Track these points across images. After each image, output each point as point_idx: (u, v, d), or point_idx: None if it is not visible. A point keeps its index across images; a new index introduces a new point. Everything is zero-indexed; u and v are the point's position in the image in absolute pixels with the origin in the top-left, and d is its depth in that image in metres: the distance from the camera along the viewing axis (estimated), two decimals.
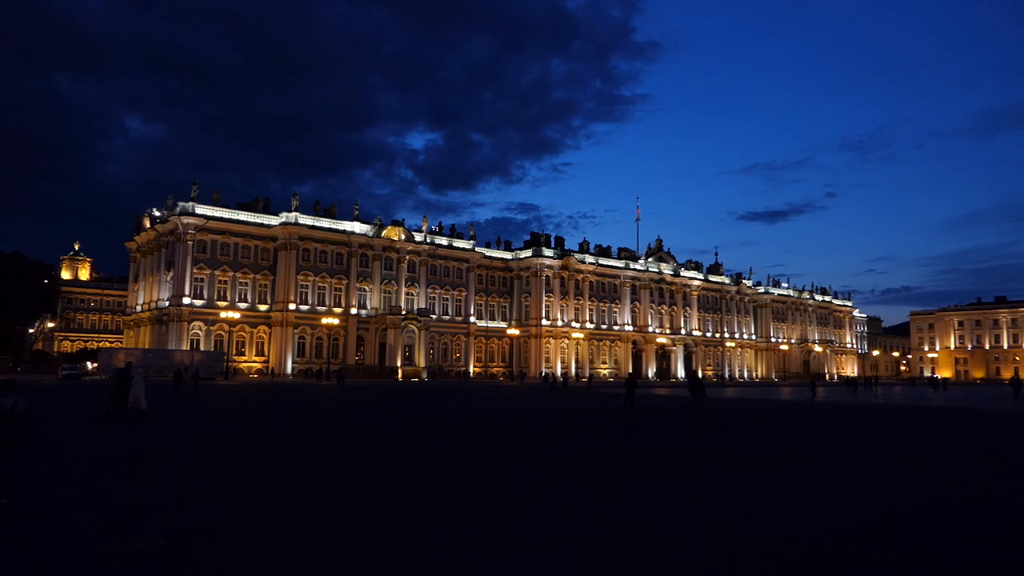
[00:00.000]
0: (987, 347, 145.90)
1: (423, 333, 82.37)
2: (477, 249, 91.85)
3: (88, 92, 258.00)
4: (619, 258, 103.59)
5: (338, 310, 77.98)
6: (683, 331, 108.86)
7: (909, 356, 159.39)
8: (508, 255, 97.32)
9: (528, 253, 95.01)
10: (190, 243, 70.26)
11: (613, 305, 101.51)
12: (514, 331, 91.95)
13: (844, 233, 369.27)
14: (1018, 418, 28.35)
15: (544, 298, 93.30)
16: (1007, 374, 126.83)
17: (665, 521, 8.19)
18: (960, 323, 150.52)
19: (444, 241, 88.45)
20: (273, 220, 76.22)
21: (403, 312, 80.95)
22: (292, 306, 74.68)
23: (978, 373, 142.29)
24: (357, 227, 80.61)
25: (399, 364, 79.09)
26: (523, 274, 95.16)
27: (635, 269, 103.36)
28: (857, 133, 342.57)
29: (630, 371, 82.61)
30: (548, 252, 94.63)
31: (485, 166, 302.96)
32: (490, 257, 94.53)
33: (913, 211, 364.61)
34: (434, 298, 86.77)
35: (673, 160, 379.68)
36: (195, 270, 70.92)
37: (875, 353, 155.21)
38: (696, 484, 10.91)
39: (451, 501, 9.16)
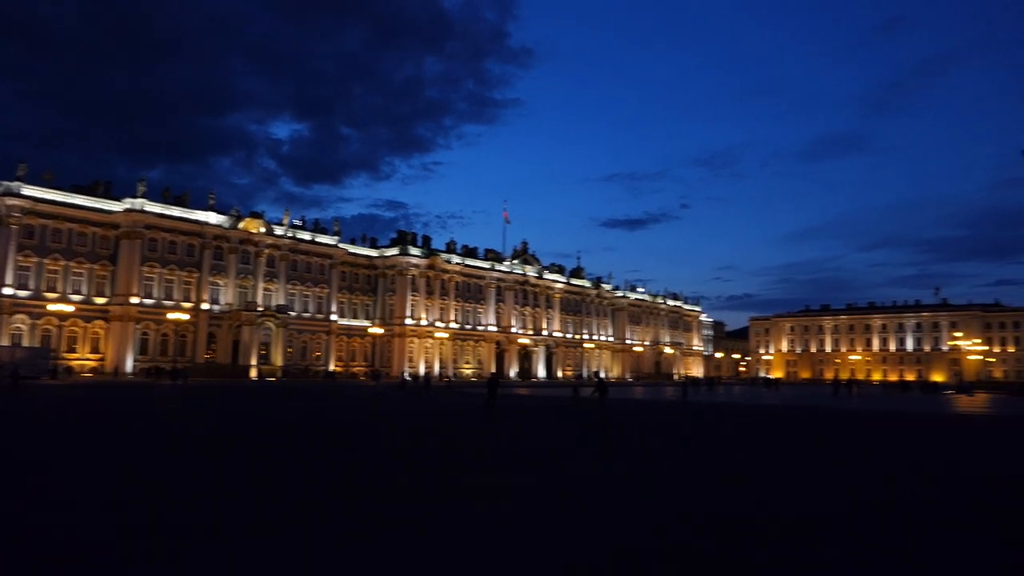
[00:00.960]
0: (813, 350, 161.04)
1: (281, 331, 79.00)
2: (341, 245, 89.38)
3: None
4: (486, 259, 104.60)
5: (188, 305, 73.05)
6: (545, 332, 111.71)
7: (748, 358, 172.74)
8: (374, 252, 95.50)
9: (394, 251, 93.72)
10: (14, 227, 63.06)
11: (478, 306, 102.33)
12: (377, 330, 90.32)
13: (695, 242, 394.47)
14: (842, 414, 31.46)
15: (409, 297, 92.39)
16: (829, 375, 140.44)
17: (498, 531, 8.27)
18: (792, 328, 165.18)
19: (307, 236, 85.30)
20: (116, 206, 70.11)
21: (260, 308, 77.22)
22: (135, 299, 69.05)
23: (805, 374, 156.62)
24: (212, 217, 75.91)
25: (254, 363, 75.33)
26: (388, 272, 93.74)
27: (501, 271, 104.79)
28: (710, 149, 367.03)
29: (493, 371, 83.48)
30: (415, 251, 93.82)
31: (353, 161, 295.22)
32: (355, 254, 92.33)
33: (756, 224, 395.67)
34: (294, 295, 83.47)
35: (541, 165, 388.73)
36: (20, 257, 63.79)
37: (718, 355, 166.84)
38: (549, 483, 11.13)
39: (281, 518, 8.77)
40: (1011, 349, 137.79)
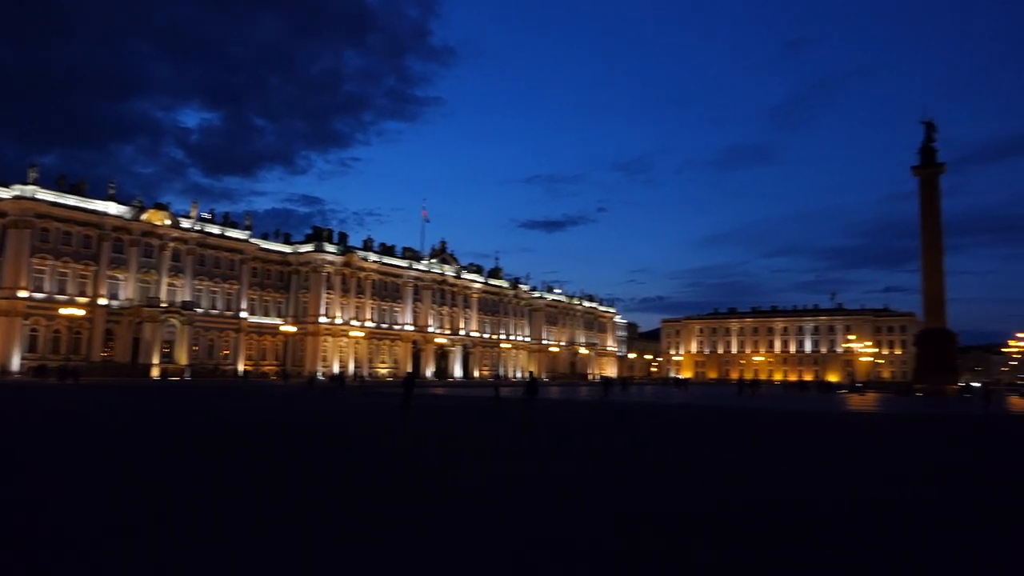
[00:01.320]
0: (720, 352, 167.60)
1: (187, 328, 75.70)
2: (253, 240, 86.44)
3: None
4: (403, 258, 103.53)
5: (83, 300, 68.87)
6: (462, 332, 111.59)
7: (659, 358, 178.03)
8: (287, 248, 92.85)
9: (309, 248, 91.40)
10: None
11: (395, 304, 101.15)
12: (290, 328, 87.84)
13: (612, 245, 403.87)
14: (748, 413, 32.88)
15: (324, 295, 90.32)
16: (734, 375, 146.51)
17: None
18: (701, 330, 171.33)
19: (216, 230, 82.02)
20: (3, 192, 65.33)
21: (164, 304, 73.72)
22: (24, 293, 64.55)
23: (712, 374, 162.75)
24: (112, 207, 71.87)
25: (156, 362, 71.86)
26: (302, 269, 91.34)
27: (419, 269, 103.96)
28: (627, 155, 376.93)
29: (409, 370, 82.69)
30: (331, 248, 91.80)
31: (268, 153, 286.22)
32: (267, 249, 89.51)
33: (670, 229, 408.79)
34: (201, 291, 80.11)
35: (461, 164, 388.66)
36: None
37: (631, 356, 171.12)
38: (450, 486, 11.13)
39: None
40: (898, 351, 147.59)
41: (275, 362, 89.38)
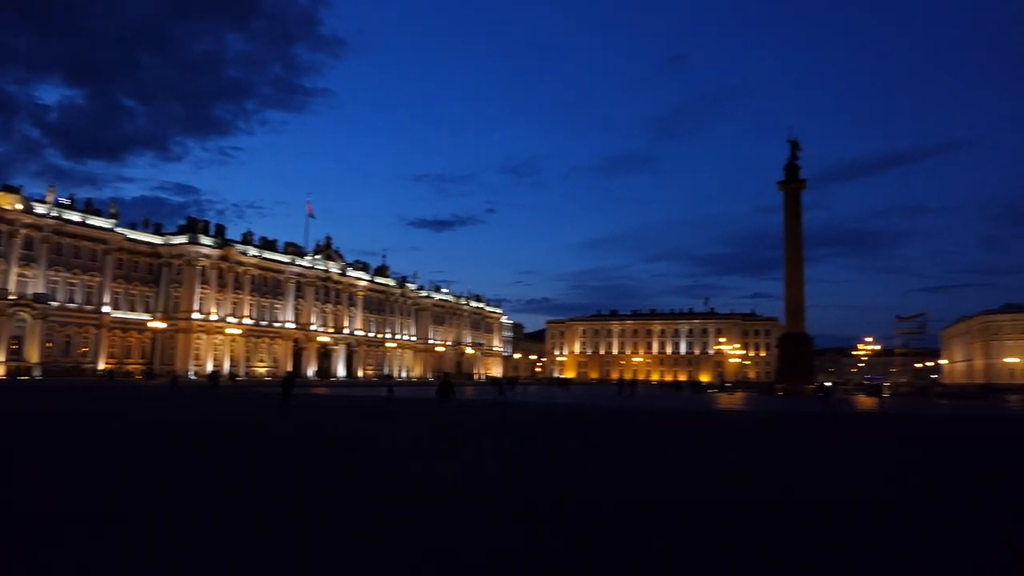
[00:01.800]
0: (602, 352, 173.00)
1: (39, 323, 69.57)
2: (119, 229, 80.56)
3: None
4: (286, 253, 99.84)
5: None
6: (347, 330, 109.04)
7: (544, 359, 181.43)
8: (158, 240, 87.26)
9: (183, 239, 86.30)
10: None
11: (276, 301, 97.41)
12: (159, 324, 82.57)
13: (499, 246, 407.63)
14: (630, 412, 34.10)
15: (198, 290, 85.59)
16: (615, 375, 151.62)
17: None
18: (584, 331, 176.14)
19: (76, 216, 75.78)
20: None
21: (12, 296, 67.38)
22: None
23: (594, 374, 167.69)
24: None
25: (2, 359, 65.59)
26: (175, 262, 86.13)
27: (302, 265, 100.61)
28: (516, 157, 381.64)
29: (289, 370, 79.89)
30: (206, 240, 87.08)
31: (139, 137, 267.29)
32: (135, 240, 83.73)
33: (556, 232, 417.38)
34: (58, 282, 73.79)
35: (349, 159, 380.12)
36: None
37: (517, 356, 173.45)
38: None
39: None
40: (763, 353, 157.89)
41: (142, 360, 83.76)
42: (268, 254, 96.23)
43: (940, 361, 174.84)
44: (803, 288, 72.23)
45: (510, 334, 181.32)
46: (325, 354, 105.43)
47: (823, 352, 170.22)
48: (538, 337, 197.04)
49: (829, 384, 60.15)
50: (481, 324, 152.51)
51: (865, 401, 57.44)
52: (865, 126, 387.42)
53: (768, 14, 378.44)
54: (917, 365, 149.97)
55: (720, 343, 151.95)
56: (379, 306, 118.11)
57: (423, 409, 32.84)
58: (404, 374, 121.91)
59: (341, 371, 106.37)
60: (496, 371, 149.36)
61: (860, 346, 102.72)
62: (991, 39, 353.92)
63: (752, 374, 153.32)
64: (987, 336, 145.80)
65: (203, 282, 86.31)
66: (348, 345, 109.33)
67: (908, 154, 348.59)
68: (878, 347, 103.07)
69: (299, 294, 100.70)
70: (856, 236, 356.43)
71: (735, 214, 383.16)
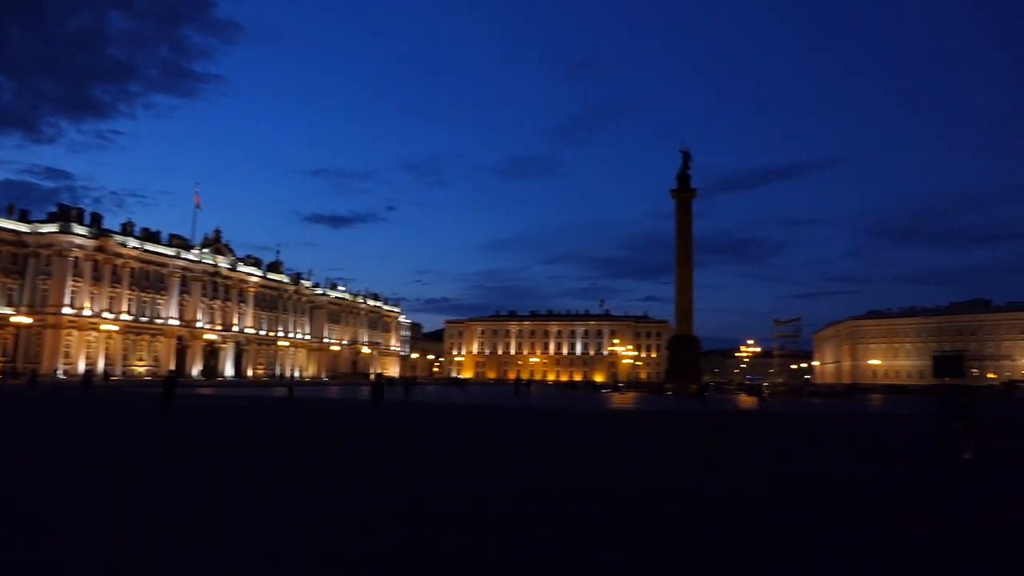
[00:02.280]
0: (500, 353, 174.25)
1: None
2: None
3: None
4: (171, 245, 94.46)
5: None
6: (236, 328, 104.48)
7: (442, 359, 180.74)
8: (24, 227, 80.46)
9: (53, 228, 79.93)
10: None
11: (159, 296, 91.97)
12: (24, 319, 76.11)
13: (399, 244, 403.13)
14: (522, 412, 34.50)
15: (70, 282, 79.54)
16: (512, 375, 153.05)
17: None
18: (482, 332, 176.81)
19: None
20: None
21: None
22: None
23: (491, 374, 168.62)
24: None
25: None
26: (43, 252, 79.68)
27: (188, 259, 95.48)
28: (418, 156, 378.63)
29: (171, 369, 75.53)
30: (80, 229, 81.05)
31: (5, 115, 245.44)
32: None
33: (457, 232, 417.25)
34: None
35: (243, 150, 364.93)
36: None
37: (414, 356, 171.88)
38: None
39: None
40: (654, 354, 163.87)
41: (2, 359, 76.92)
42: (151, 246, 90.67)
43: (813, 363, 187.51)
44: (692, 292, 75.54)
45: (408, 334, 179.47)
46: (212, 353, 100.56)
47: (709, 354, 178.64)
48: (437, 337, 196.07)
49: (706, 384, 63.34)
50: (379, 323, 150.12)
51: (746, 400, 60.73)
52: (750, 140, 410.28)
53: (669, 28, 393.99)
54: (793, 366, 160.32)
55: (614, 344, 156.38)
56: (272, 303, 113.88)
57: (327, 410, 31.96)
58: (297, 374, 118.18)
59: (229, 371, 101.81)
60: (393, 371, 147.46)
61: (743, 348, 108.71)
62: (865, 63, 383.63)
63: (644, 375, 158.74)
64: (854, 339, 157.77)
65: (76, 274, 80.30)
66: (237, 344, 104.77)
67: (788, 168, 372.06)
68: (758, 349, 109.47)
69: (184, 289, 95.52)
70: (740, 244, 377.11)
71: (631, 219, 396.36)
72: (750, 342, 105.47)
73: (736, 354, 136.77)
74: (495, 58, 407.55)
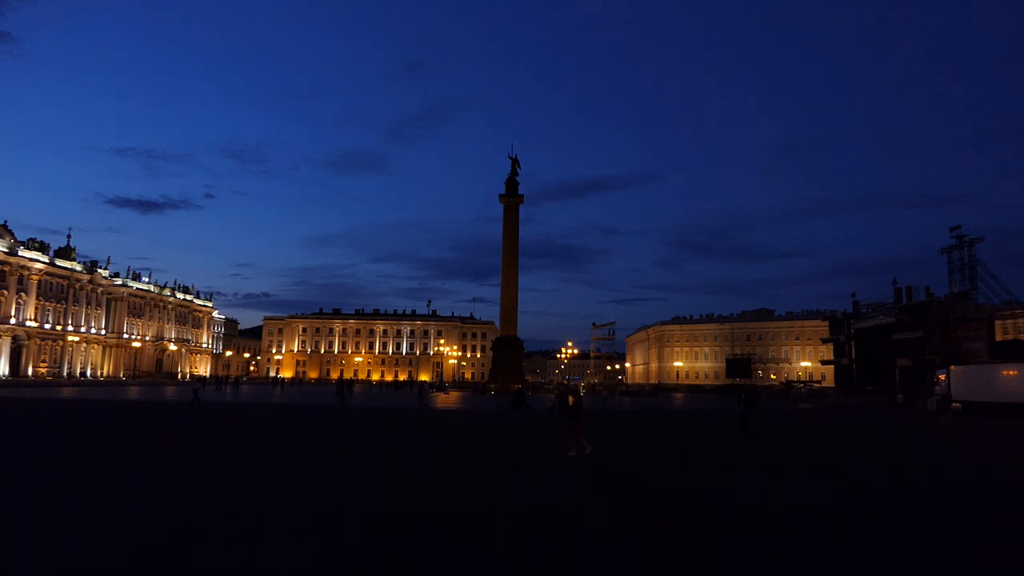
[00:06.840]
0: (323, 351, 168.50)
1: None
2: None
3: None
4: None
5: None
6: (14, 321, 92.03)
7: (259, 357, 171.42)
8: None
9: None
10: None
11: None
12: None
13: (217, 235, 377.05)
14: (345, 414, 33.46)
15: None
16: (335, 375, 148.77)
17: None
18: (304, 329, 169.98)
19: None
20: None
21: None
22: None
23: (313, 374, 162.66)
24: None
25: None
26: None
27: None
28: (241, 142, 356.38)
29: None
30: None
31: None
32: None
33: (280, 225, 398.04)
34: None
35: (32, 119, 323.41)
36: None
37: (229, 353, 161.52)
38: None
39: None
40: (479, 355, 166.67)
41: None
42: None
43: (626, 364, 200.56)
44: (517, 295, 77.76)
45: (222, 330, 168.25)
46: None
47: (532, 355, 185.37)
48: (255, 334, 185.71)
49: (521, 390, 65.48)
50: (189, 318, 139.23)
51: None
52: (577, 152, 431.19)
53: (502, 35, 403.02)
54: (608, 367, 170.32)
55: (440, 344, 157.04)
56: (60, 293, 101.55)
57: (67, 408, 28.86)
58: (89, 372, 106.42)
59: (4, 369, 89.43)
60: (203, 369, 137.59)
61: (563, 350, 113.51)
62: (685, 85, 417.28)
63: (468, 374, 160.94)
64: (661, 343, 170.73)
65: None
66: (15, 337, 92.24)
67: (609, 180, 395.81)
68: (577, 351, 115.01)
69: None
70: (562, 250, 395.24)
71: (461, 220, 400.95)
72: (570, 344, 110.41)
73: (557, 356, 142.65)
74: (330, 49, 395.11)
